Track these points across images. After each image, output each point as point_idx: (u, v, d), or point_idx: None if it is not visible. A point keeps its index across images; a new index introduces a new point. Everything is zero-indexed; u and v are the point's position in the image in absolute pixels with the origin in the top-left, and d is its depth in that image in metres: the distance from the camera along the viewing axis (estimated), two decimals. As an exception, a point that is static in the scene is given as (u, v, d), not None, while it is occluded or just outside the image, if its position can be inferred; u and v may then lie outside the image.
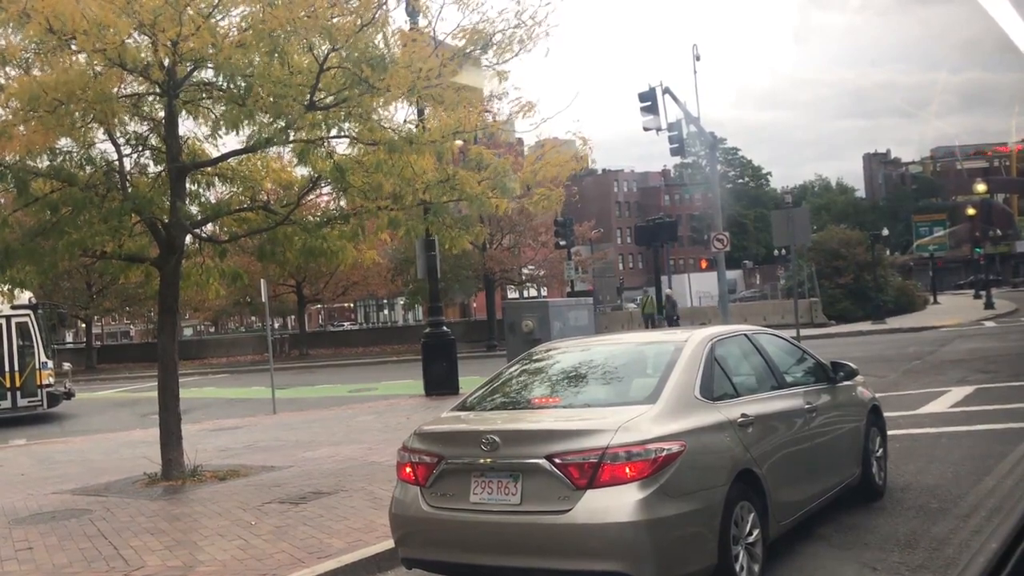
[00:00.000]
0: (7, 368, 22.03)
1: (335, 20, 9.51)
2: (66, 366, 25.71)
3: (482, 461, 5.51)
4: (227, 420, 18.74)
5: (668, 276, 52.86)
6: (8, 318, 21.86)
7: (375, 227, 11.28)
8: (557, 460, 5.24)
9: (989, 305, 42.07)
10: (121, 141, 10.76)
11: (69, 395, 24.10)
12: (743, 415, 5.95)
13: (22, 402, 22.26)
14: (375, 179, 10.37)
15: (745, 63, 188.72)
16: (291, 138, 10.09)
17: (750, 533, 5.65)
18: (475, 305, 60.74)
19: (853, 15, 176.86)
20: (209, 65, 9.76)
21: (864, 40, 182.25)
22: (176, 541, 7.91)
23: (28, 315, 22.22)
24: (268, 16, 9.02)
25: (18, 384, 22.14)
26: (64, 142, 10.16)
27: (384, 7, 9.69)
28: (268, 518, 8.50)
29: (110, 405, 26.86)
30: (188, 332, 76.16)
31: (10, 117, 9.50)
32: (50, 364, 22.90)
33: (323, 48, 9.61)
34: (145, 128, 10.87)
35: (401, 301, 61.62)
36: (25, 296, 20.82)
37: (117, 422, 20.83)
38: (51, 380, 22.77)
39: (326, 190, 12.07)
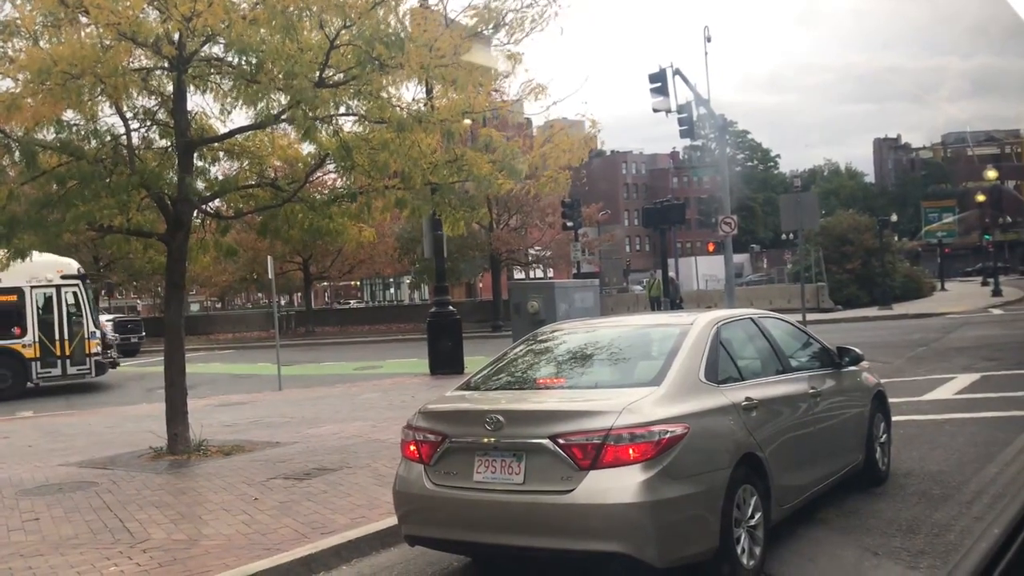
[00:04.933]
0: (57, 336, 22.56)
1: (348, -3, 9.47)
2: (110, 336, 25.98)
3: (486, 440, 5.53)
4: (233, 396, 18.83)
5: (675, 259, 52.78)
6: (58, 288, 22.45)
7: (382, 206, 11.26)
8: (561, 440, 5.26)
9: (997, 292, 41.91)
10: (129, 115, 10.75)
11: (114, 364, 24.73)
12: (747, 399, 5.96)
13: (71, 370, 22.81)
14: (381, 157, 10.34)
15: (750, 45, 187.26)
16: (305, 115, 10.05)
17: (752, 516, 5.66)
18: (481, 285, 60.71)
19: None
20: (220, 40, 9.73)
21: (872, 23, 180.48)
22: (181, 515, 7.97)
23: (77, 285, 22.79)
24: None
25: (68, 352, 22.70)
26: (70, 115, 10.15)
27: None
28: (272, 493, 8.55)
29: (117, 379, 26.97)
30: (195, 308, 76.26)
31: (19, 89, 9.48)
32: (98, 333, 23.55)
33: (334, 25, 9.57)
34: (153, 103, 10.85)
35: (407, 280, 61.57)
36: (74, 266, 22.35)
37: (123, 396, 20.96)
38: (98, 349, 23.35)
39: (331, 168, 12.06)
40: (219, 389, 20.68)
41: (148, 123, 11.07)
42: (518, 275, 52.67)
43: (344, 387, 19.64)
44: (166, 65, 10.10)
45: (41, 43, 9.50)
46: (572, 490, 5.18)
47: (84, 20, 9.27)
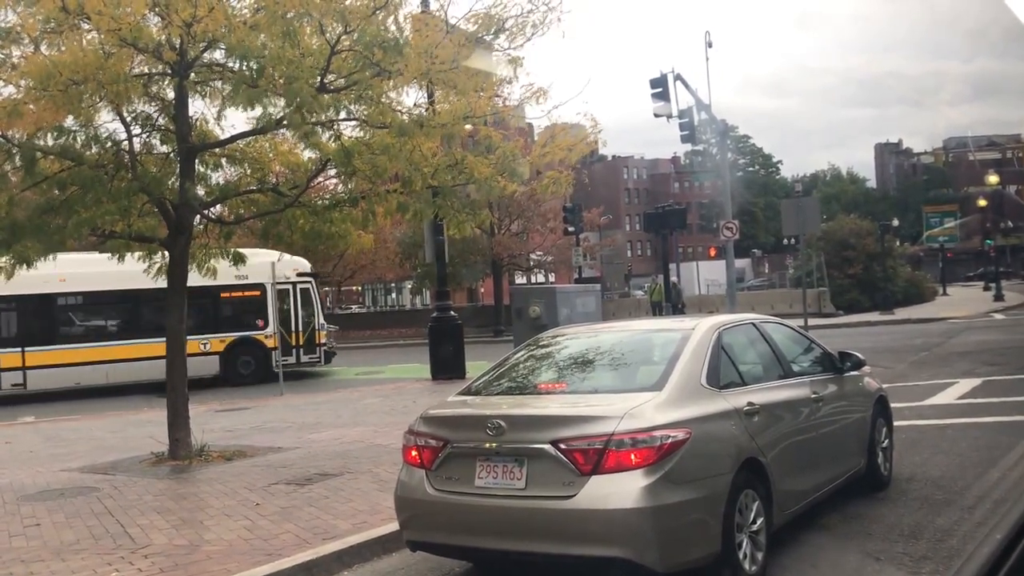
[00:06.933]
0: (292, 328, 25.08)
1: (348, 2, 9.48)
2: (332, 327, 27.85)
3: (487, 445, 5.52)
4: (234, 401, 18.81)
5: (677, 264, 52.79)
6: (294, 284, 25.02)
7: (383, 211, 11.26)
8: (562, 445, 5.25)
9: (999, 297, 41.94)
10: (130, 121, 10.75)
11: (334, 353, 26.85)
12: (749, 404, 5.95)
13: (304, 358, 25.45)
14: (381, 161, 10.35)
15: (750, 49, 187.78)
16: (304, 120, 10.06)
17: (754, 521, 5.66)
18: (483, 290, 60.74)
19: (859, 1, 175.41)
20: (221, 46, 9.74)
21: (872, 27, 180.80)
22: (182, 520, 7.97)
23: (310, 282, 25.53)
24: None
25: (301, 342, 25.28)
26: (71, 121, 10.15)
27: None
28: (274, 499, 8.54)
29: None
30: (196, 313, 76.30)
31: (21, 95, 9.50)
32: (327, 325, 26.17)
33: (336, 30, 9.58)
34: (154, 109, 10.86)
35: (409, 285, 61.61)
36: (307, 265, 25.48)
37: (125, 401, 20.92)
38: (326, 340, 25.88)
39: (333, 172, 12.07)
40: (220, 394, 20.65)
41: (149, 129, 11.07)
42: (519, 280, 52.67)
43: (345, 392, 19.63)
44: (168, 71, 10.11)
45: (42, 49, 9.51)
46: (574, 495, 5.17)
47: (85, 26, 9.28)
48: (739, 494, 5.53)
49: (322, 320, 25.82)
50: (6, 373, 22.50)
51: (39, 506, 8.88)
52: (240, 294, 24.35)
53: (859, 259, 41.54)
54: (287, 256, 20.70)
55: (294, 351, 25.08)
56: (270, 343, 24.10)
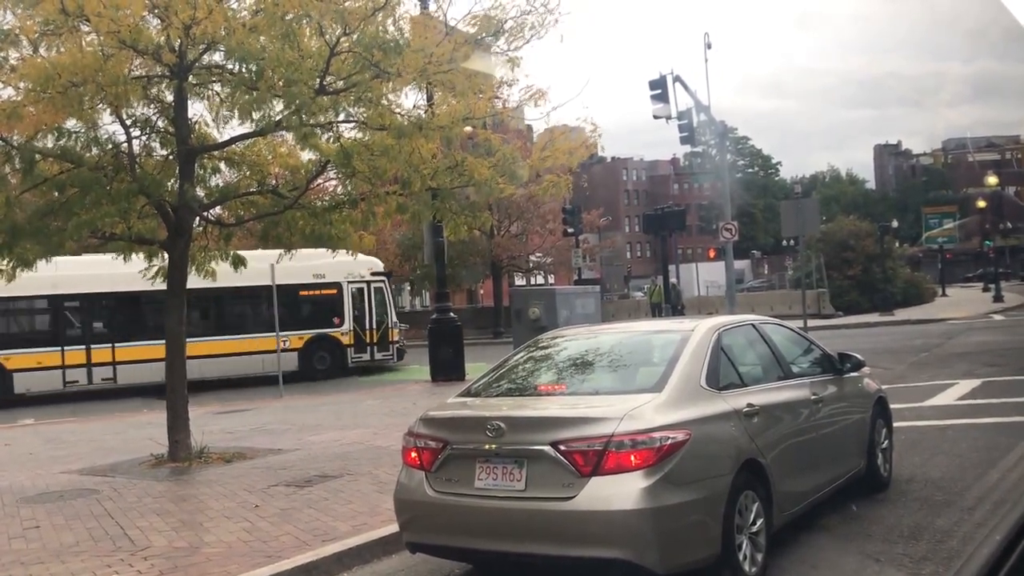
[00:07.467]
0: (367, 326, 25.87)
1: (347, 4, 9.49)
2: (403, 326, 28.60)
3: (487, 447, 5.52)
4: (234, 403, 18.81)
5: (676, 265, 52.80)
6: (368, 283, 25.90)
7: (383, 212, 11.27)
8: (562, 447, 5.25)
9: (998, 298, 41.92)
10: (129, 123, 10.75)
11: (405, 351, 27.50)
12: (749, 405, 5.95)
13: (378, 355, 26.18)
14: (380, 162, 10.36)
15: (749, 50, 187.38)
16: (303, 122, 10.06)
17: (754, 523, 5.66)
18: (482, 292, 60.72)
19: (859, 1, 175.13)
20: (220, 48, 9.75)
21: (872, 28, 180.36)
22: (182, 522, 7.97)
23: (383, 281, 26.44)
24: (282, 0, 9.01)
25: (375, 340, 26.04)
26: (71, 123, 10.16)
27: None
28: (273, 501, 8.54)
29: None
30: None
31: (20, 97, 9.50)
32: (399, 324, 27.05)
33: (335, 32, 9.58)
34: (153, 111, 10.86)
35: (408, 286, 61.62)
36: (380, 265, 26.61)
37: (126, 403, 20.92)
38: (398, 337, 26.73)
39: (332, 174, 12.08)
40: (220, 396, 20.65)
41: (149, 131, 11.07)
42: (519, 281, 52.65)
43: (345, 394, 19.63)
44: (167, 73, 10.11)
45: (41, 51, 9.51)
46: (573, 497, 5.17)
47: (84, 28, 9.29)
48: (739, 495, 5.53)
49: (395, 318, 26.67)
50: (97, 368, 23.09)
51: (39, 508, 8.88)
52: (317, 292, 25.24)
53: (858, 260, 41.50)
54: (362, 256, 21.09)
55: (368, 348, 25.86)
56: (345, 340, 25.31)
